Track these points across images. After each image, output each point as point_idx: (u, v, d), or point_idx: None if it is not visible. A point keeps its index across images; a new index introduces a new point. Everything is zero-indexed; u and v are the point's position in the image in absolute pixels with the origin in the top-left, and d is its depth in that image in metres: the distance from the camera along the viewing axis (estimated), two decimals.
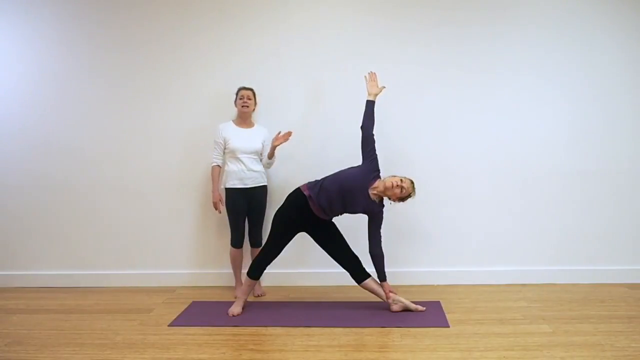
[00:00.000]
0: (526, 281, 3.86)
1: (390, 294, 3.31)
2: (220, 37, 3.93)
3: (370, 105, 3.38)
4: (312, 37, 3.89)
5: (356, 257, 3.36)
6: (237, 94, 3.68)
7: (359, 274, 3.34)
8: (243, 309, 3.36)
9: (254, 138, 3.66)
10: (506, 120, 3.86)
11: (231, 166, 3.64)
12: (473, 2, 3.82)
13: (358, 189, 3.21)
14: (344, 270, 3.38)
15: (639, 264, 3.86)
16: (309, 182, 3.33)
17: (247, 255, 3.81)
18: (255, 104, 3.74)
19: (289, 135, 3.59)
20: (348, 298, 3.61)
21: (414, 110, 3.88)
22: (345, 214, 3.34)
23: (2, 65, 4.07)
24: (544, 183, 3.86)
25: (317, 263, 3.86)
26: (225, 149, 3.64)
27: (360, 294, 3.49)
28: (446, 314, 3.23)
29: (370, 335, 2.94)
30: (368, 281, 3.33)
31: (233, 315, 3.29)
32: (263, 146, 3.69)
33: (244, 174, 3.61)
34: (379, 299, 3.37)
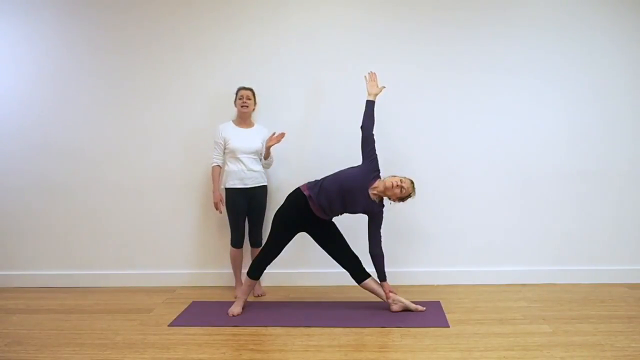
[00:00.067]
0: (526, 281, 3.86)
1: (390, 294, 3.31)
2: (220, 37, 3.93)
3: (370, 105, 3.38)
4: (312, 37, 3.89)
5: (356, 257, 3.36)
6: (236, 94, 3.69)
7: (359, 274, 3.34)
8: (243, 309, 3.36)
9: (254, 138, 3.66)
10: (506, 120, 3.86)
11: (231, 166, 3.64)
12: (473, 3, 3.82)
13: (358, 189, 3.21)
14: (344, 270, 3.38)
15: (639, 264, 3.86)
16: (309, 182, 3.33)
17: (247, 255, 3.81)
18: (255, 103, 3.74)
19: (282, 137, 3.59)
20: (348, 298, 3.61)
21: (414, 110, 3.88)
22: (345, 214, 3.34)
23: (2, 65, 4.07)
24: (544, 183, 3.86)
25: (317, 263, 3.86)
26: (225, 149, 3.64)
27: (360, 294, 3.49)
28: (446, 314, 3.23)
29: (370, 335, 2.94)
30: (368, 281, 3.33)
31: (233, 315, 3.29)
32: (263, 146, 3.69)
33: (244, 174, 3.61)
34: (379, 299, 3.37)
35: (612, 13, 3.79)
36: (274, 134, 3.61)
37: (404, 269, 3.88)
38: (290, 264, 3.90)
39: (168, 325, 3.17)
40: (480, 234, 3.90)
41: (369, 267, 3.35)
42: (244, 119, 3.70)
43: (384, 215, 3.30)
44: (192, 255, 4.07)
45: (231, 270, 3.82)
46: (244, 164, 3.61)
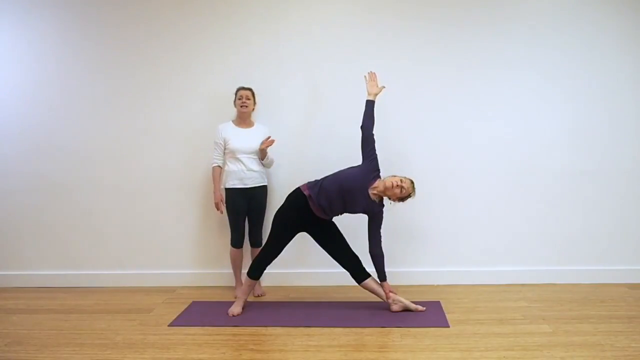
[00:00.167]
0: (526, 281, 3.86)
1: (390, 294, 3.31)
2: (220, 36, 3.93)
3: (370, 105, 3.38)
4: (311, 35, 3.89)
5: (356, 257, 3.36)
6: (235, 94, 3.68)
7: (359, 274, 3.34)
8: (243, 309, 3.36)
9: (254, 138, 3.65)
10: (507, 120, 3.85)
11: (231, 166, 3.64)
12: (475, 1, 3.82)
13: (358, 188, 3.21)
14: (344, 270, 3.38)
15: (639, 264, 3.86)
16: (309, 182, 3.33)
17: (247, 255, 3.81)
18: (255, 103, 3.74)
19: (271, 143, 3.56)
20: (348, 298, 3.61)
21: (415, 110, 3.88)
22: (345, 214, 3.34)
23: (1, 65, 4.07)
24: (544, 183, 3.86)
25: (317, 263, 3.86)
26: (225, 149, 3.64)
27: (360, 294, 3.49)
28: (446, 314, 3.23)
29: (370, 335, 2.94)
30: (368, 281, 3.33)
31: (233, 315, 3.29)
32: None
33: (244, 174, 3.61)
34: (379, 299, 3.37)
35: (614, 11, 3.78)
36: (268, 137, 3.59)
37: (404, 268, 3.87)
38: (290, 264, 3.90)
39: (168, 325, 3.17)
40: (480, 234, 3.90)
41: (369, 267, 3.35)
42: (243, 118, 3.70)
43: (384, 215, 3.30)
44: (192, 255, 4.07)
45: (231, 270, 3.82)
46: (243, 164, 3.61)
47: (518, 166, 3.86)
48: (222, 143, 3.63)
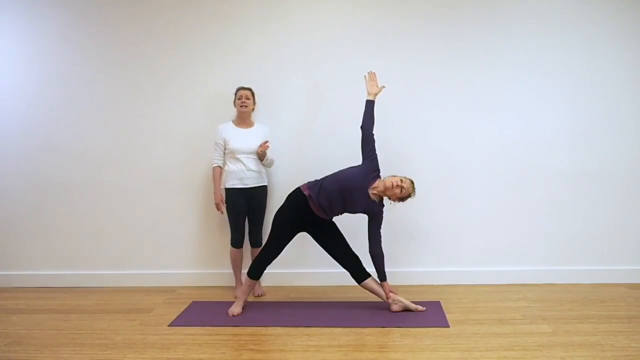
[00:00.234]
0: (526, 281, 3.86)
1: (390, 294, 3.31)
2: (220, 36, 3.93)
3: (370, 105, 3.37)
4: (311, 35, 3.89)
5: (356, 257, 3.36)
6: (235, 94, 3.68)
7: (359, 274, 3.34)
8: (243, 309, 3.36)
9: (254, 138, 3.65)
10: (507, 119, 3.85)
11: (231, 166, 3.64)
12: (475, 1, 3.81)
13: (358, 188, 3.21)
14: (344, 270, 3.38)
15: (639, 264, 3.86)
16: (309, 182, 3.33)
17: (247, 255, 3.81)
18: (254, 103, 3.74)
19: (266, 148, 3.55)
20: (348, 298, 3.61)
21: (415, 109, 3.88)
22: (345, 214, 3.34)
23: (2, 65, 4.07)
24: (544, 183, 3.86)
25: (317, 263, 3.86)
26: (225, 149, 3.64)
27: (360, 294, 3.49)
28: (446, 314, 3.23)
29: (370, 335, 2.94)
30: (368, 281, 3.33)
31: (233, 315, 3.29)
32: None
33: (244, 174, 3.61)
34: (379, 299, 3.37)
35: (616, 11, 3.78)
36: (264, 142, 3.58)
37: (404, 268, 3.87)
38: (290, 264, 3.90)
39: (168, 325, 3.17)
40: (480, 234, 3.90)
41: (369, 267, 3.35)
42: (243, 118, 3.70)
43: (384, 215, 3.30)
44: (192, 255, 4.07)
45: (231, 270, 3.82)
46: (243, 164, 3.61)
47: (518, 166, 3.86)
48: (222, 143, 3.63)
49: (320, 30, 3.89)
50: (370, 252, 3.30)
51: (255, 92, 3.73)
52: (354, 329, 3.02)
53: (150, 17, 3.97)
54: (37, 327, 3.21)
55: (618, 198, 3.85)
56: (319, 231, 3.37)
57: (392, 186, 3.14)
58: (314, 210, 3.26)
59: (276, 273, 3.88)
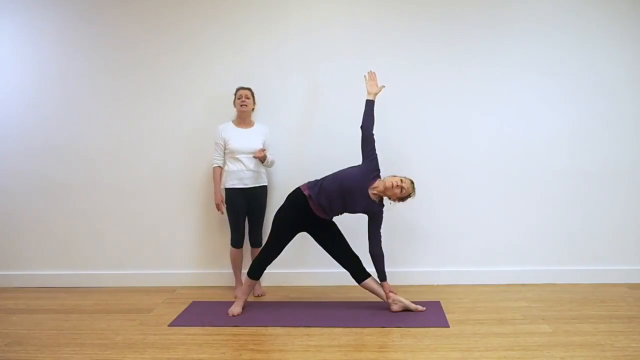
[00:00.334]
0: (526, 281, 3.85)
1: (391, 294, 3.31)
2: (220, 36, 3.93)
3: (369, 104, 3.37)
4: (311, 35, 3.89)
5: (356, 257, 3.36)
6: (235, 94, 3.69)
7: (359, 274, 3.34)
8: (243, 309, 3.36)
9: (254, 138, 3.65)
10: (507, 120, 3.85)
11: (231, 166, 3.64)
12: (475, 1, 3.81)
13: (358, 188, 3.21)
14: (344, 270, 3.38)
15: (639, 264, 3.86)
16: (309, 182, 3.33)
17: (247, 255, 3.81)
18: (254, 103, 3.74)
19: (261, 154, 3.53)
20: (348, 298, 3.61)
21: (414, 109, 3.88)
22: (345, 214, 3.34)
23: (2, 65, 4.07)
24: (544, 183, 3.86)
25: (317, 263, 3.86)
26: (225, 149, 3.64)
27: (360, 294, 3.49)
28: (446, 314, 3.23)
29: (370, 335, 2.94)
30: (368, 281, 3.33)
31: (233, 315, 3.29)
32: (264, 145, 3.68)
33: (244, 173, 3.61)
34: (379, 299, 3.37)
35: (616, 12, 3.78)
36: (262, 150, 3.56)
37: (404, 268, 3.87)
38: (290, 264, 3.90)
39: (168, 325, 3.17)
40: (480, 234, 3.90)
41: (369, 267, 3.35)
42: (243, 118, 3.70)
43: (384, 215, 3.30)
44: (192, 255, 4.07)
45: (231, 270, 3.82)
46: (243, 164, 3.61)
47: (518, 166, 3.86)
48: (222, 143, 3.63)
49: (320, 30, 3.89)
50: (370, 252, 3.30)
51: (255, 92, 3.73)
52: (354, 329, 3.02)
53: (150, 18, 3.96)
54: (37, 327, 3.21)
55: (618, 198, 3.85)
56: (319, 231, 3.37)
57: (392, 186, 3.14)
58: (314, 210, 3.26)
59: (276, 273, 3.88)
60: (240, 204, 3.64)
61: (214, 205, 3.72)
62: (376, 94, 3.42)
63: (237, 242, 3.70)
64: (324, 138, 3.90)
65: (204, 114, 3.95)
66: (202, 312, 3.40)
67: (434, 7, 3.83)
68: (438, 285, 3.88)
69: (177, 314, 3.36)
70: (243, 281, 3.55)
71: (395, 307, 3.30)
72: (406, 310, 3.29)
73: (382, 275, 3.32)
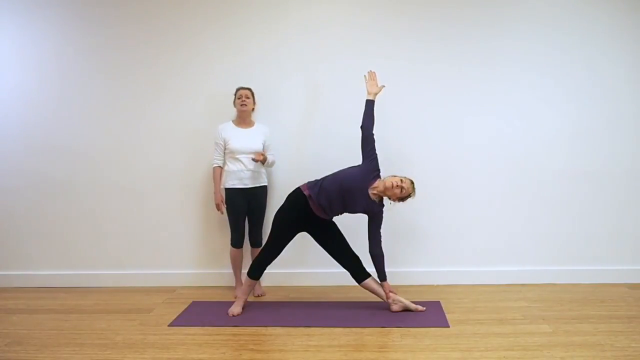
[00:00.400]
0: (526, 281, 3.86)
1: (391, 294, 3.31)
2: (220, 36, 3.93)
3: (369, 104, 3.37)
4: (311, 35, 3.89)
5: (356, 257, 3.36)
6: (235, 94, 3.69)
7: (359, 274, 3.34)
8: (243, 309, 3.36)
9: (254, 138, 3.65)
10: (507, 119, 3.85)
11: (231, 166, 3.64)
12: (474, 0, 3.81)
13: (358, 188, 3.21)
14: (344, 270, 3.38)
15: (639, 264, 3.86)
16: (309, 182, 3.33)
17: (247, 255, 3.81)
18: (254, 103, 3.74)
19: (260, 157, 3.51)
20: (348, 298, 3.61)
21: (415, 109, 3.88)
22: (345, 214, 3.34)
23: (3, 65, 4.07)
24: (544, 183, 3.86)
25: (317, 263, 3.86)
26: (225, 149, 3.64)
27: (360, 294, 3.49)
28: (446, 314, 3.23)
29: (370, 335, 2.94)
30: (368, 281, 3.33)
31: (233, 315, 3.29)
32: (264, 146, 3.69)
33: (244, 173, 3.61)
34: (379, 299, 3.37)
35: (616, 11, 3.78)
36: (260, 154, 3.54)
37: (404, 268, 3.87)
38: (290, 264, 3.90)
39: (168, 325, 3.17)
40: (480, 234, 3.90)
41: (369, 267, 3.35)
42: (243, 118, 3.70)
43: (383, 215, 3.30)
44: (192, 255, 4.07)
45: (231, 270, 3.82)
46: (243, 164, 3.61)
47: (518, 166, 3.86)
48: (222, 143, 3.63)
49: (320, 30, 3.89)
50: (370, 252, 3.30)
51: (254, 92, 3.73)
52: (354, 329, 3.02)
53: (150, 18, 3.96)
54: (37, 327, 3.21)
55: (618, 198, 3.85)
56: (319, 231, 3.37)
57: (392, 186, 3.14)
58: (314, 210, 3.26)
59: (276, 273, 3.88)
60: (240, 204, 3.64)
61: (214, 205, 3.72)
62: (376, 94, 3.42)
63: (237, 242, 3.70)
64: (324, 138, 3.90)
65: (204, 114, 3.95)
66: (202, 312, 3.40)
67: (434, 7, 3.83)
68: (438, 285, 3.88)
69: (177, 314, 3.36)
70: (243, 281, 3.55)
71: (395, 307, 3.30)
72: (406, 310, 3.29)
73: (382, 275, 3.32)
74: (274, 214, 3.37)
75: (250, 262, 3.45)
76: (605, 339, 2.79)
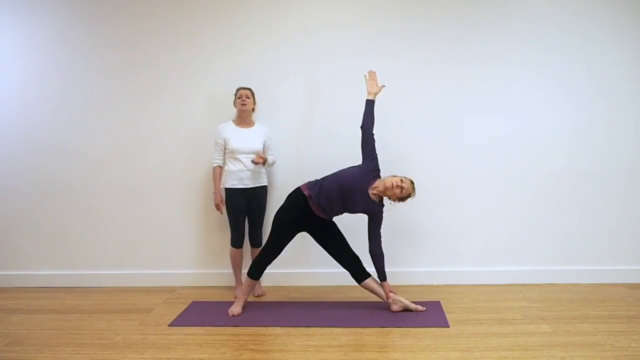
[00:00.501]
0: (526, 281, 3.86)
1: (391, 294, 3.31)
2: (220, 36, 3.93)
3: (370, 104, 3.37)
4: (311, 35, 3.89)
5: (356, 257, 3.36)
6: (235, 94, 3.69)
7: (359, 274, 3.34)
8: (243, 309, 3.36)
9: (254, 138, 3.65)
10: (507, 120, 3.85)
11: (231, 166, 3.64)
12: (474, 1, 3.81)
13: (358, 188, 3.21)
14: (344, 270, 3.38)
15: (639, 264, 3.86)
16: (309, 182, 3.33)
17: (247, 255, 3.81)
18: (255, 103, 3.74)
19: (260, 159, 3.51)
20: (348, 298, 3.61)
21: (414, 109, 3.88)
22: (345, 214, 3.34)
23: (2, 65, 4.07)
24: (543, 183, 3.86)
25: (317, 263, 3.86)
26: (225, 149, 3.64)
27: (360, 294, 3.49)
28: (446, 314, 3.23)
29: (370, 335, 2.94)
30: (368, 281, 3.33)
31: (233, 315, 3.29)
32: (264, 146, 3.69)
33: (244, 173, 3.61)
34: (379, 299, 3.37)
35: (616, 11, 3.78)
36: (259, 157, 3.53)
37: (404, 269, 3.87)
38: (290, 264, 3.90)
39: (168, 325, 3.17)
40: (480, 234, 3.90)
41: (369, 267, 3.35)
42: (243, 118, 3.70)
43: (383, 215, 3.30)
44: (192, 255, 4.07)
45: (231, 270, 3.82)
46: (243, 164, 3.60)
47: (518, 166, 3.86)
48: (223, 143, 3.63)
49: (320, 30, 3.89)
50: (370, 252, 3.30)
51: (255, 92, 3.73)
52: (354, 329, 3.02)
53: (150, 17, 3.96)
54: (37, 327, 3.21)
55: (618, 198, 3.85)
56: (319, 231, 3.37)
57: (392, 186, 3.14)
58: (314, 210, 3.26)
59: (276, 273, 3.88)
60: (240, 204, 3.64)
61: (214, 205, 3.72)
62: (376, 94, 3.42)
63: (237, 242, 3.70)
64: (324, 138, 3.90)
65: (204, 114, 3.95)
66: (202, 312, 3.40)
67: (434, 8, 3.83)
68: (438, 285, 3.88)
69: (177, 314, 3.36)
70: (243, 281, 3.55)
71: (395, 307, 3.30)
72: (406, 310, 3.29)
73: (382, 275, 3.32)
74: (274, 214, 3.37)
75: (250, 262, 3.45)
76: (605, 339, 2.79)
